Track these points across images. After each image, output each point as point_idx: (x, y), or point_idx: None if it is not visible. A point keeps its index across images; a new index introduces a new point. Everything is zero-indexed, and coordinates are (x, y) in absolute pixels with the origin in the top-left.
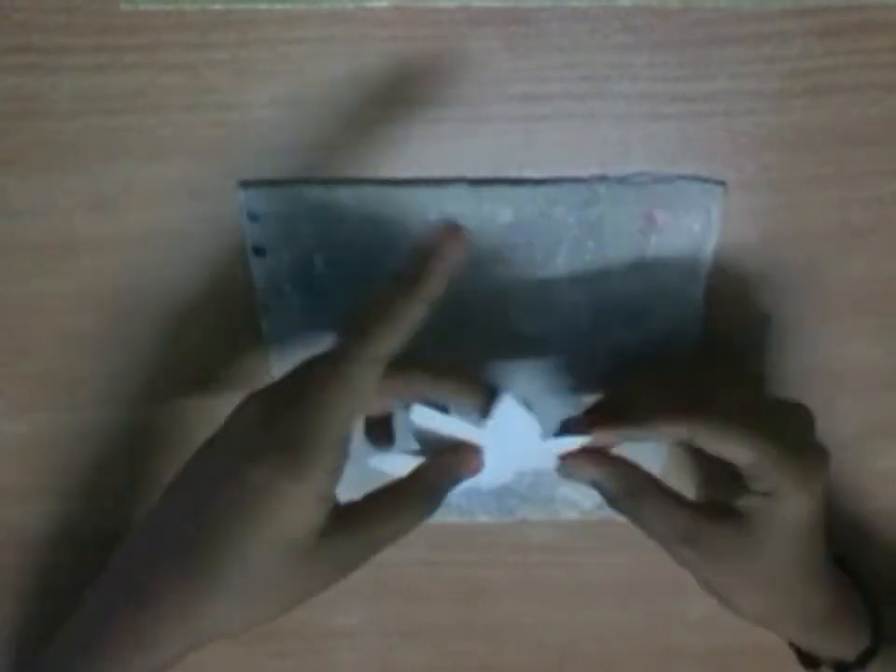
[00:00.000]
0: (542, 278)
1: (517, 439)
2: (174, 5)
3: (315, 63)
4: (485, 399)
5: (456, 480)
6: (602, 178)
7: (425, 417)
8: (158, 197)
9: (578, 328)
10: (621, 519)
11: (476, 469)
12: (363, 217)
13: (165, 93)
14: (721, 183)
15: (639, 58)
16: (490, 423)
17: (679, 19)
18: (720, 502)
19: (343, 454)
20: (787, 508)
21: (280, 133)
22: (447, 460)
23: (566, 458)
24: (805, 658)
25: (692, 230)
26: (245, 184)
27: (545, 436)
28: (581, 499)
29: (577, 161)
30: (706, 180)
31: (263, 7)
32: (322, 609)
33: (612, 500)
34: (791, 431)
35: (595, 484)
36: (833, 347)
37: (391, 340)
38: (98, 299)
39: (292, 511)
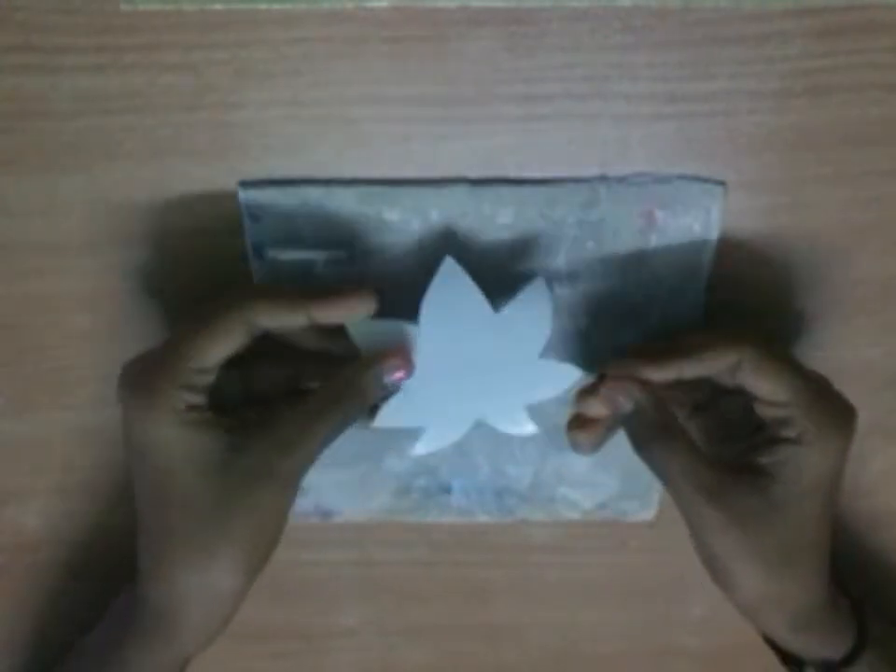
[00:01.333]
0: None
1: (463, 314)
2: (174, 5)
3: (315, 62)
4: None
5: (378, 380)
6: (602, 178)
7: (361, 327)
8: (158, 197)
9: (578, 328)
10: (621, 519)
11: (402, 363)
12: (363, 217)
13: (165, 93)
14: (721, 183)
15: (639, 58)
16: (429, 297)
17: (679, 19)
18: (741, 463)
19: (186, 367)
20: (815, 456)
21: (280, 133)
22: (364, 358)
23: (592, 387)
24: (784, 656)
25: (692, 230)
26: (245, 184)
27: (495, 308)
28: (581, 499)
29: (577, 160)
30: (706, 180)
31: (263, 6)
32: (321, 609)
33: (643, 436)
34: (821, 383)
35: (630, 415)
36: (834, 347)
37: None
38: (98, 299)
39: (156, 432)
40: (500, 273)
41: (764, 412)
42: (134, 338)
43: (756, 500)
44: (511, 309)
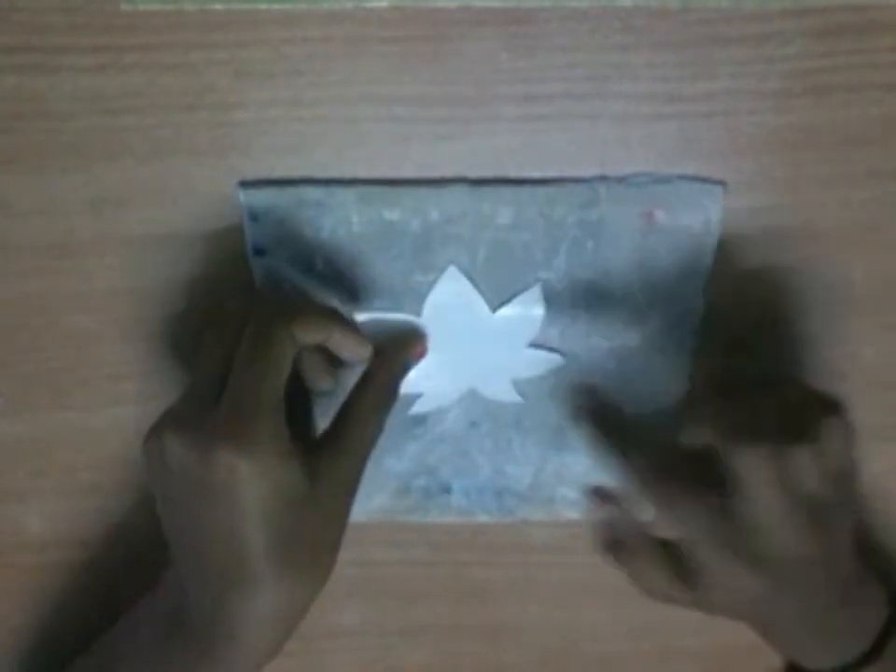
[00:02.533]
0: (542, 278)
1: (462, 311)
2: (174, 5)
3: (315, 62)
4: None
5: (404, 368)
6: (602, 178)
7: (369, 324)
8: (158, 197)
9: (577, 327)
10: None
11: (420, 350)
12: (363, 217)
13: (165, 93)
14: (721, 183)
15: (639, 58)
16: (431, 299)
17: (679, 19)
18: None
19: (280, 410)
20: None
21: (280, 133)
22: (389, 353)
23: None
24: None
25: (692, 230)
26: (245, 184)
27: (494, 309)
28: (581, 499)
29: (577, 160)
30: (706, 180)
31: (263, 6)
32: (322, 609)
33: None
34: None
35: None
36: (834, 347)
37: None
38: (98, 299)
39: (261, 482)
40: (500, 274)
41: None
42: (134, 338)
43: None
44: (507, 309)
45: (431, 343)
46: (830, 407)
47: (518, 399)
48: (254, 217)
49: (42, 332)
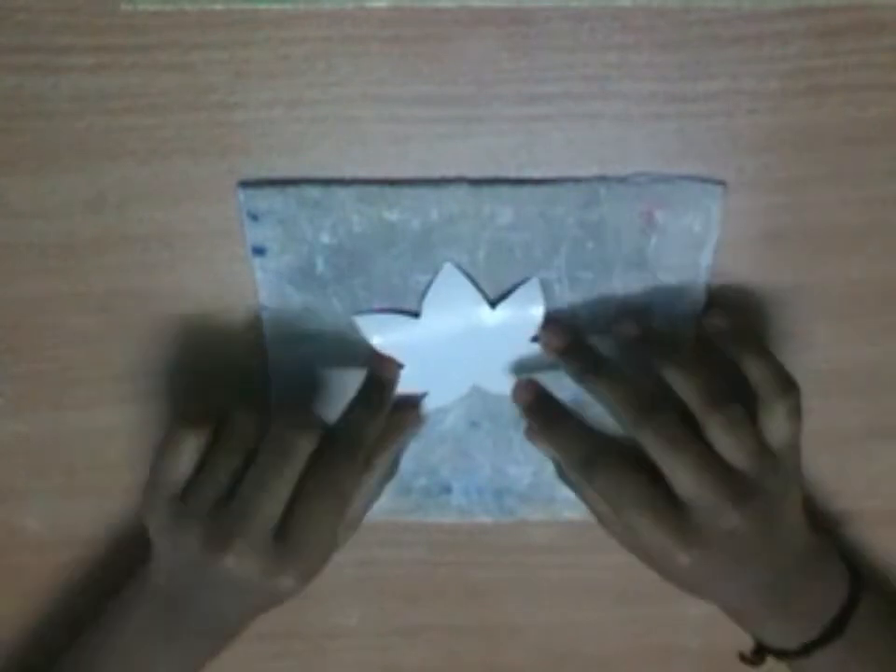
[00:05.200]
0: (542, 278)
1: (461, 309)
2: (174, 5)
3: (315, 62)
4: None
5: (400, 441)
6: (602, 178)
7: (368, 321)
8: (158, 197)
9: (577, 327)
10: None
11: (416, 423)
12: (363, 217)
13: (165, 93)
14: (721, 183)
15: (639, 58)
16: (430, 296)
17: (679, 19)
18: None
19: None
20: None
21: (280, 133)
22: (388, 426)
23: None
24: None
25: (692, 230)
26: (245, 184)
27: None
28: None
29: (577, 160)
30: (706, 180)
31: (263, 7)
32: (321, 610)
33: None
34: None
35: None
36: (833, 347)
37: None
38: (98, 299)
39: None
40: (500, 274)
41: None
42: (134, 338)
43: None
44: (506, 305)
45: (432, 346)
46: (781, 387)
47: None
48: (254, 217)
49: (42, 332)
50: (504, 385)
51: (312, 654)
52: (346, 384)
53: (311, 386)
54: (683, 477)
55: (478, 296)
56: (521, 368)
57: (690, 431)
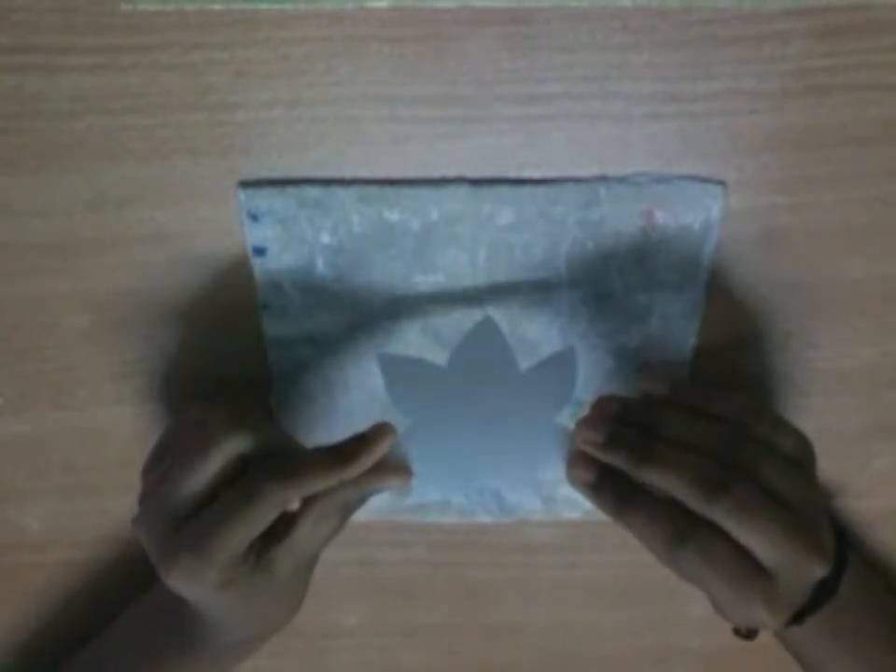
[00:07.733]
0: (542, 278)
1: (489, 361)
2: (174, 5)
3: (314, 62)
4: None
5: (370, 491)
6: (602, 178)
7: (389, 362)
8: (158, 197)
9: (577, 328)
10: None
11: (403, 480)
12: (363, 217)
13: (165, 93)
14: (721, 183)
15: (639, 58)
16: (459, 345)
17: (679, 19)
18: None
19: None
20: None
21: (280, 133)
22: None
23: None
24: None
25: (692, 230)
26: (245, 184)
27: (524, 364)
28: (581, 499)
29: (577, 161)
30: (706, 180)
31: (263, 7)
32: (321, 609)
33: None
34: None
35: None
36: (833, 347)
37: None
38: (98, 299)
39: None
40: (500, 274)
41: None
42: (134, 338)
43: None
44: (537, 369)
45: (451, 405)
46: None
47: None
48: (254, 217)
49: (42, 332)
50: (520, 492)
51: (312, 654)
52: (346, 383)
53: (311, 387)
54: (768, 547)
55: (511, 356)
56: (541, 471)
57: (759, 495)
